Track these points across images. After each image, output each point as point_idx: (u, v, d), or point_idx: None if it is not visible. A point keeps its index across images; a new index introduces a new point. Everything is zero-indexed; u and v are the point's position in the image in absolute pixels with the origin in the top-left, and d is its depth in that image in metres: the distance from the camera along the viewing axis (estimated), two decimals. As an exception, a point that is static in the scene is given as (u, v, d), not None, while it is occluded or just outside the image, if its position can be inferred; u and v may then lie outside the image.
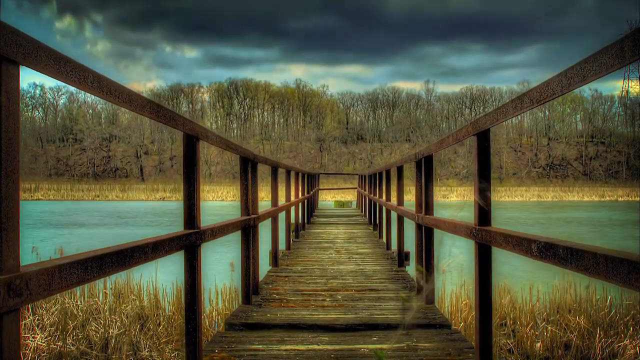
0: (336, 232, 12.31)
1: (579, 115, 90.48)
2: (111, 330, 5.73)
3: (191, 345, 3.22)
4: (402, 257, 7.45)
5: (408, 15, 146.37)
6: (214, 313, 6.99)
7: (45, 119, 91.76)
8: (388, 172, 8.93)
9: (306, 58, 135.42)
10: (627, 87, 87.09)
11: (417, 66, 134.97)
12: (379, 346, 3.98)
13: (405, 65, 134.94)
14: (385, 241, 9.47)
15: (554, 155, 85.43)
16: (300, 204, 11.64)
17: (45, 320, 6.12)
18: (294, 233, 10.77)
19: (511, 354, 5.90)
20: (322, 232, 12.15)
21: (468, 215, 3.74)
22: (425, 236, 5.14)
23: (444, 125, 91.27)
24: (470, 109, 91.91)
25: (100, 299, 7.13)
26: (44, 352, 5.36)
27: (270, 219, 7.03)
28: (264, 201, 23.35)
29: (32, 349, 5.36)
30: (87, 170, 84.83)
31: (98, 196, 51.10)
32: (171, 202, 44.12)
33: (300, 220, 11.57)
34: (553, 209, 37.06)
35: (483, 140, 3.22)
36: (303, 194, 12.79)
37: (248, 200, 5.16)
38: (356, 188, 24.09)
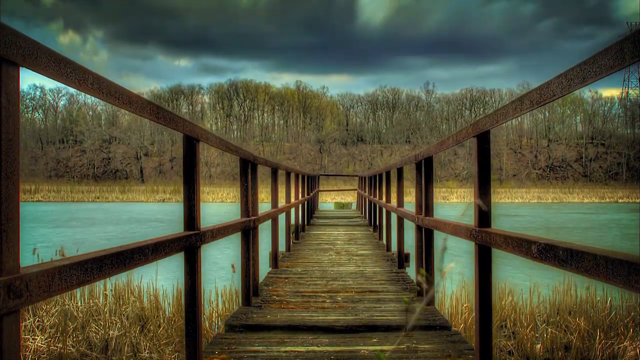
0: (336, 233, 12.31)
1: (579, 117, 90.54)
2: (111, 332, 5.72)
3: (191, 346, 3.21)
4: (402, 259, 7.45)
5: (383, 34, 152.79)
6: (214, 314, 6.99)
7: (45, 121, 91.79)
8: (388, 174, 8.93)
9: (298, 68, 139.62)
10: (627, 88, 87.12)
11: (399, 76, 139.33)
12: (379, 348, 3.97)
13: (389, 75, 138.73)
14: (385, 243, 9.47)
15: (554, 157, 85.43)
16: (300, 206, 11.63)
17: (45, 321, 6.12)
18: (294, 235, 10.77)
19: (511, 355, 5.89)
20: (322, 234, 12.15)
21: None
22: (425, 238, 5.14)
23: (444, 127, 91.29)
24: (470, 110, 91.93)
25: (101, 301, 7.12)
26: (44, 354, 5.35)
27: (270, 220, 7.03)
28: (264, 203, 23.31)
29: (32, 351, 5.35)
30: (87, 172, 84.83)
31: (98, 198, 51.10)
32: (171, 204, 44.12)
33: (300, 222, 11.57)
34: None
35: (483, 141, 3.22)
36: (303, 195, 12.79)
37: (248, 202, 5.16)
38: (356, 189, 24.09)
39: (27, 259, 6.41)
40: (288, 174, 10.04)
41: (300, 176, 12.06)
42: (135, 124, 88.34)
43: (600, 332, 5.98)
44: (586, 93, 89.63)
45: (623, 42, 1.63)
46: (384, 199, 9.45)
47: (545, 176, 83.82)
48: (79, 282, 1.82)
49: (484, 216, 3.16)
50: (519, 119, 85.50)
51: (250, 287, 5.24)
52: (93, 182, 78.52)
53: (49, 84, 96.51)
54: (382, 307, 5.17)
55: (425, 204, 5.07)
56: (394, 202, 8.31)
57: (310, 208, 15.17)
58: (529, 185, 79.11)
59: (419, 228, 5.37)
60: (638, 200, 51.86)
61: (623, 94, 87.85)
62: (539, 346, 5.89)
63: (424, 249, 5.18)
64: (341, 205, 25.79)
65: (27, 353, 5.30)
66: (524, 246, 2.47)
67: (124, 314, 6.57)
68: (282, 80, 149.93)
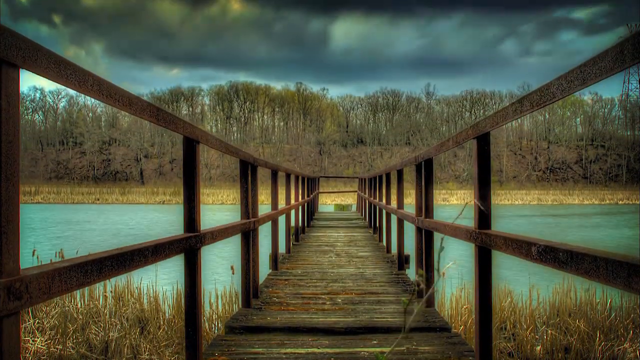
0: (336, 235, 12.30)
1: (579, 119, 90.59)
2: (111, 334, 5.72)
3: (191, 348, 3.21)
4: (402, 261, 7.45)
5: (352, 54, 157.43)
6: (214, 316, 6.98)
7: (45, 122, 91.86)
8: (388, 175, 8.93)
9: (291, 77, 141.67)
10: (627, 90, 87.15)
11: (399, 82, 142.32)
12: (378, 349, 3.97)
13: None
14: (385, 244, 9.47)
15: (554, 159, 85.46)
16: (300, 208, 11.63)
17: (45, 323, 6.11)
18: (294, 236, 10.77)
19: (511, 357, 5.89)
20: (322, 236, 12.14)
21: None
22: (425, 239, 5.14)
23: (444, 129, 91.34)
24: (471, 112, 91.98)
25: (101, 302, 7.11)
26: (44, 356, 5.35)
27: (270, 222, 7.03)
28: (264, 204, 23.30)
29: (32, 353, 5.35)
30: (87, 174, 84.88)
31: (98, 199, 51.08)
32: (171, 206, 44.09)
33: (300, 224, 11.56)
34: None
35: (483, 143, 3.22)
36: (303, 197, 12.78)
37: (248, 204, 5.16)
38: (356, 191, 24.08)
39: (27, 260, 6.41)
40: (288, 176, 10.03)
41: (300, 178, 12.06)
42: (135, 125, 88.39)
43: (600, 334, 5.98)
44: (586, 94, 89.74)
45: (623, 43, 1.63)
46: (384, 200, 9.45)
47: (546, 178, 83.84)
48: (78, 284, 1.82)
49: (484, 218, 3.16)
50: (519, 121, 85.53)
51: (250, 289, 5.23)
52: (93, 184, 78.56)
53: (49, 85, 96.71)
54: (382, 309, 5.16)
55: (425, 206, 5.07)
56: (394, 203, 8.30)
57: (310, 210, 15.16)
58: (529, 186, 79.12)
59: (418, 230, 5.37)
60: (638, 202, 51.85)
61: (623, 96, 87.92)
62: (538, 348, 5.88)
63: (423, 251, 5.18)
64: (341, 207, 25.78)
65: (27, 355, 5.30)
66: (523, 248, 2.46)
67: (123, 316, 6.56)
68: (282, 82, 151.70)
